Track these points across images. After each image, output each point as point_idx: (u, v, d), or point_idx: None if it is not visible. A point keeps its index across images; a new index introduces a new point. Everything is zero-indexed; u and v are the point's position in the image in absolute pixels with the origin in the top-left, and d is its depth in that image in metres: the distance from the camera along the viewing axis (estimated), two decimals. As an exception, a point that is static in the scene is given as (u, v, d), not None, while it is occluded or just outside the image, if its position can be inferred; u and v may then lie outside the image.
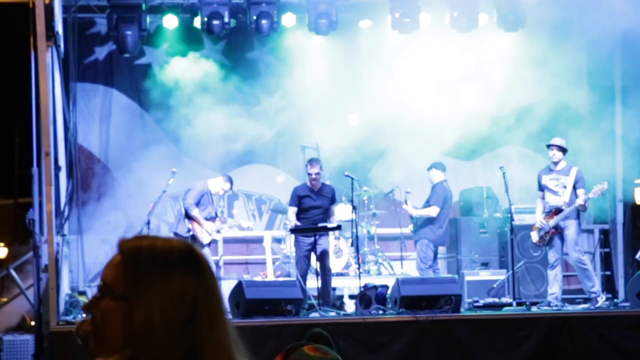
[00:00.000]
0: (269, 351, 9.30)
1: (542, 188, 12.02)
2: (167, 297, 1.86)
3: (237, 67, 14.10)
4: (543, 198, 12.03)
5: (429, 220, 12.69)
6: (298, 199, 12.01)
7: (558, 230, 11.78)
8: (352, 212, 12.30)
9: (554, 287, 11.79)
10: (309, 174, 12.01)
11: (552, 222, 11.79)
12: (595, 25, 13.44)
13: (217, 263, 13.12)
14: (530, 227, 12.34)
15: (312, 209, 12.02)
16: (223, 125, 13.84)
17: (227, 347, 1.90)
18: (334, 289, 12.61)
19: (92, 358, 1.92)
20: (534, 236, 12.02)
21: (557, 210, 11.80)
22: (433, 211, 12.66)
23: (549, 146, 12.03)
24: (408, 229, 13.97)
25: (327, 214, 12.12)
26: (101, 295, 1.92)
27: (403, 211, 13.26)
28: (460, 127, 14.24)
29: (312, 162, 12.09)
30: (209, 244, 12.20)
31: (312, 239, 11.79)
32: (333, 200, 12.18)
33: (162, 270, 1.87)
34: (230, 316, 1.97)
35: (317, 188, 12.04)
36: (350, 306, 12.26)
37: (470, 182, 14.59)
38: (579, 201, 11.68)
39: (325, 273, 11.80)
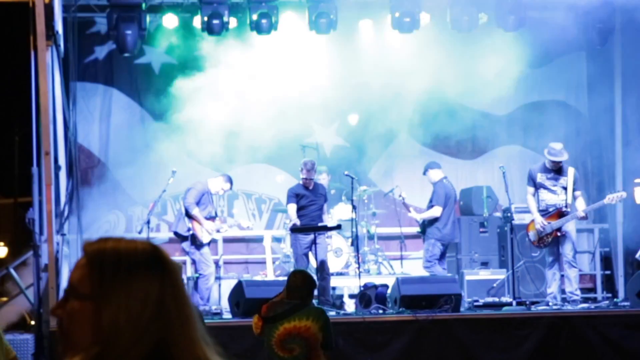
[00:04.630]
0: (269, 350, 9.30)
1: (535, 185, 11.96)
2: (132, 296, 1.90)
3: (237, 66, 14.08)
4: (534, 195, 11.99)
5: (435, 220, 12.60)
6: (295, 197, 12.10)
7: (559, 232, 11.74)
8: (352, 212, 12.32)
9: (553, 287, 11.79)
10: (303, 178, 12.15)
11: (555, 224, 11.73)
12: (595, 25, 13.44)
13: (216, 262, 13.13)
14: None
15: (309, 206, 12.17)
16: (223, 124, 13.83)
17: (196, 342, 1.95)
18: (333, 288, 12.63)
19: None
20: (533, 236, 11.96)
21: (559, 211, 11.76)
22: (436, 211, 12.56)
23: (553, 161, 11.79)
24: (408, 229, 14.00)
25: (322, 211, 12.26)
26: (67, 297, 1.97)
27: (403, 210, 13.25)
28: (460, 127, 14.24)
29: (307, 165, 12.19)
30: (208, 243, 12.20)
31: (311, 237, 11.85)
32: (326, 199, 12.35)
33: (126, 270, 1.92)
34: (194, 312, 2.00)
35: (310, 187, 12.18)
36: (350, 306, 12.26)
37: (470, 182, 14.58)
38: (581, 213, 11.67)
39: (324, 272, 11.83)
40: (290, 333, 6.80)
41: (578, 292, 11.83)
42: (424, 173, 12.93)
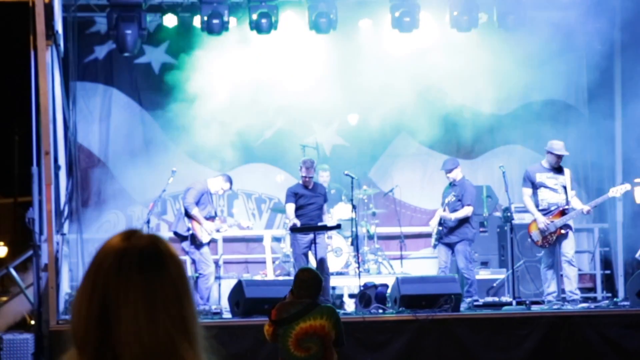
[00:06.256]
0: (269, 350, 9.30)
1: (534, 185, 11.92)
2: (81, 296, 1.90)
3: (237, 66, 14.08)
4: (531, 196, 11.93)
5: (465, 220, 12.20)
6: (294, 196, 12.10)
7: (562, 230, 11.72)
8: (352, 212, 12.32)
9: (552, 286, 11.78)
10: (303, 177, 12.15)
11: (559, 222, 11.70)
12: (595, 25, 13.43)
13: (216, 262, 13.13)
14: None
15: (308, 205, 12.17)
16: (223, 124, 13.83)
17: (144, 344, 1.85)
18: (333, 288, 12.63)
19: None
20: (536, 236, 11.88)
21: (561, 210, 11.75)
22: (469, 211, 12.19)
23: (557, 155, 11.78)
24: (408, 229, 13.98)
25: (322, 211, 12.26)
26: None
27: (403, 210, 13.24)
28: (460, 126, 14.23)
29: (306, 163, 12.18)
30: (208, 243, 12.20)
31: (310, 236, 11.86)
32: (325, 199, 12.33)
33: (92, 270, 1.92)
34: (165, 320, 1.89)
35: (310, 186, 12.19)
36: (350, 305, 12.26)
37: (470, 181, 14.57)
38: (586, 207, 11.73)
39: (323, 272, 11.82)
40: (307, 332, 6.86)
41: (577, 291, 11.82)
42: (450, 170, 12.42)
